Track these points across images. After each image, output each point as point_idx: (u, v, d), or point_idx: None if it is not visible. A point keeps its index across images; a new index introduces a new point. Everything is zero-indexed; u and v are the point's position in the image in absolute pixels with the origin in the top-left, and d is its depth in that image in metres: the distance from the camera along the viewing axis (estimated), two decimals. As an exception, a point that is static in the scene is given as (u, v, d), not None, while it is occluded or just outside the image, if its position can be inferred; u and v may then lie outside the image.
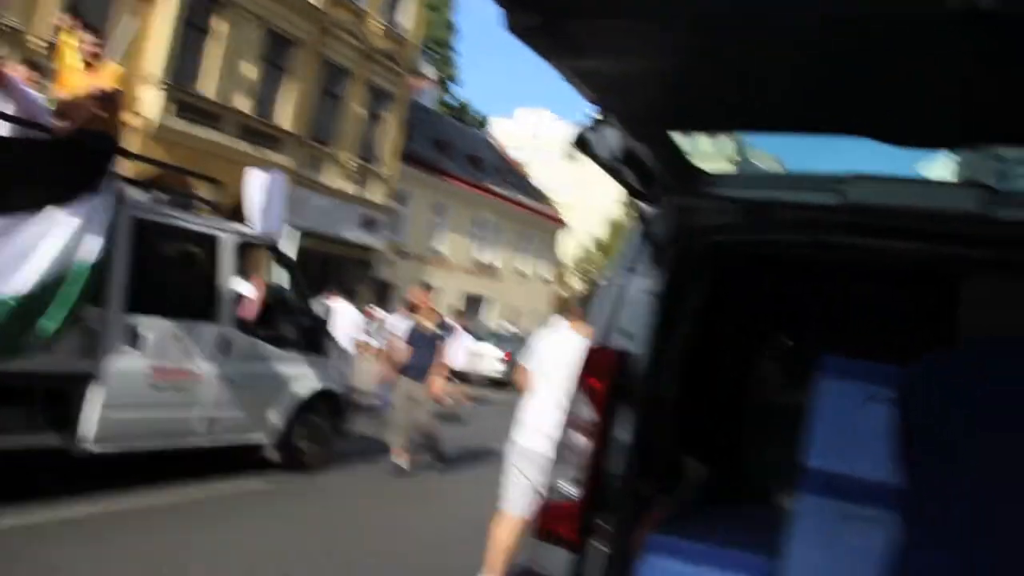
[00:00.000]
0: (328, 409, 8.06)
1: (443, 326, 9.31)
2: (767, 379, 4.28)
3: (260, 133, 19.91)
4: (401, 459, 8.72)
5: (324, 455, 8.09)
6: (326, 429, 8.07)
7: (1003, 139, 2.12)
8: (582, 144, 2.36)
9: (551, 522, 2.80)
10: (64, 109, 5.94)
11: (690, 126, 2.35)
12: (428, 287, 10.00)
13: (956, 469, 1.87)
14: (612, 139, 2.37)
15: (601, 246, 42.44)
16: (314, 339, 7.95)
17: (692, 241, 2.79)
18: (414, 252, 28.15)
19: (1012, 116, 1.72)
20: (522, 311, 33.70)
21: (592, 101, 2.13)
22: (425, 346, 8.80)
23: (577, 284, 41.73)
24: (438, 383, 8.89)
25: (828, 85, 1.78)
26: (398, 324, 11.03)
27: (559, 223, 38.14)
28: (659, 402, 3.38)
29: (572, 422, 2.77)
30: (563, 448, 2.80)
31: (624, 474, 2.78)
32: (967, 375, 1.97)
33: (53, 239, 5.42)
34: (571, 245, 43.39)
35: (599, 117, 2.22)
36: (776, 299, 4.23)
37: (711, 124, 2.34)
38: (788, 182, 2.78)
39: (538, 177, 41.50)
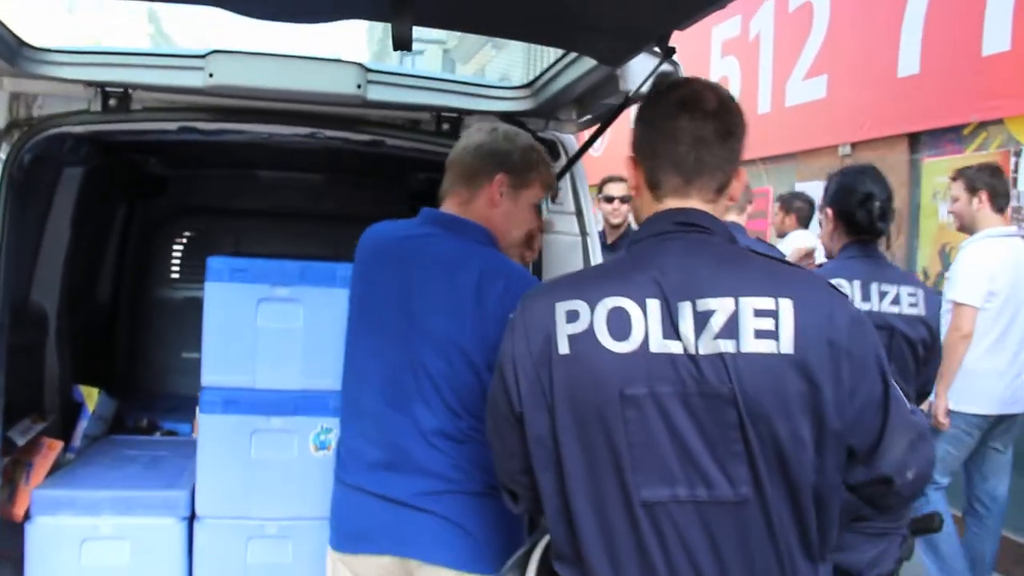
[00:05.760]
0: None
1: None
2: (168, 282, 3.92)
3: None
4: None
5: None
6: None
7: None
8: None
9: None
10: None
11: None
12: None
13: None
14: None
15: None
16: None
17: (33, 133, 2.27)
18: None
19: None
20: None
21: None
22: None
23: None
24: None
25: None
26: None
27: None
28: (28, 331, 2.85)
29: None
30: None
31: None
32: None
33: None
34: None
35: None
36: (176, 189, 3.85)
37: None
38: (151, 61, 2.41)
39: None
